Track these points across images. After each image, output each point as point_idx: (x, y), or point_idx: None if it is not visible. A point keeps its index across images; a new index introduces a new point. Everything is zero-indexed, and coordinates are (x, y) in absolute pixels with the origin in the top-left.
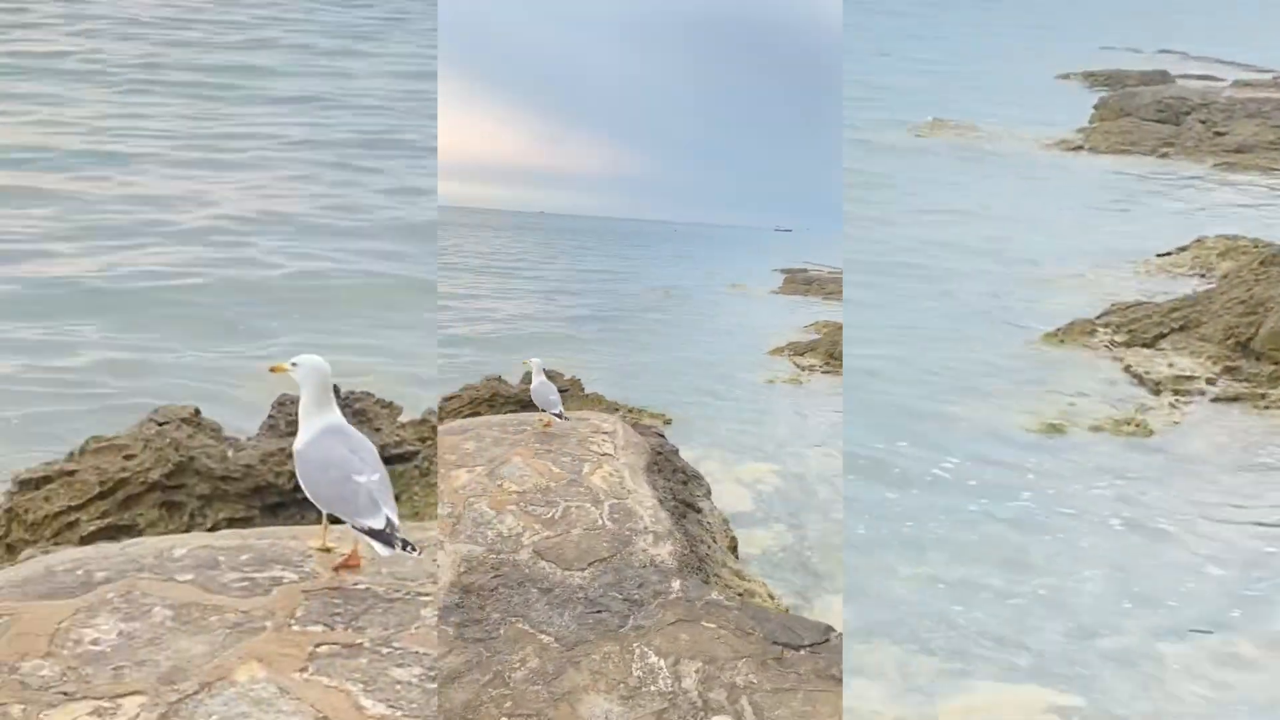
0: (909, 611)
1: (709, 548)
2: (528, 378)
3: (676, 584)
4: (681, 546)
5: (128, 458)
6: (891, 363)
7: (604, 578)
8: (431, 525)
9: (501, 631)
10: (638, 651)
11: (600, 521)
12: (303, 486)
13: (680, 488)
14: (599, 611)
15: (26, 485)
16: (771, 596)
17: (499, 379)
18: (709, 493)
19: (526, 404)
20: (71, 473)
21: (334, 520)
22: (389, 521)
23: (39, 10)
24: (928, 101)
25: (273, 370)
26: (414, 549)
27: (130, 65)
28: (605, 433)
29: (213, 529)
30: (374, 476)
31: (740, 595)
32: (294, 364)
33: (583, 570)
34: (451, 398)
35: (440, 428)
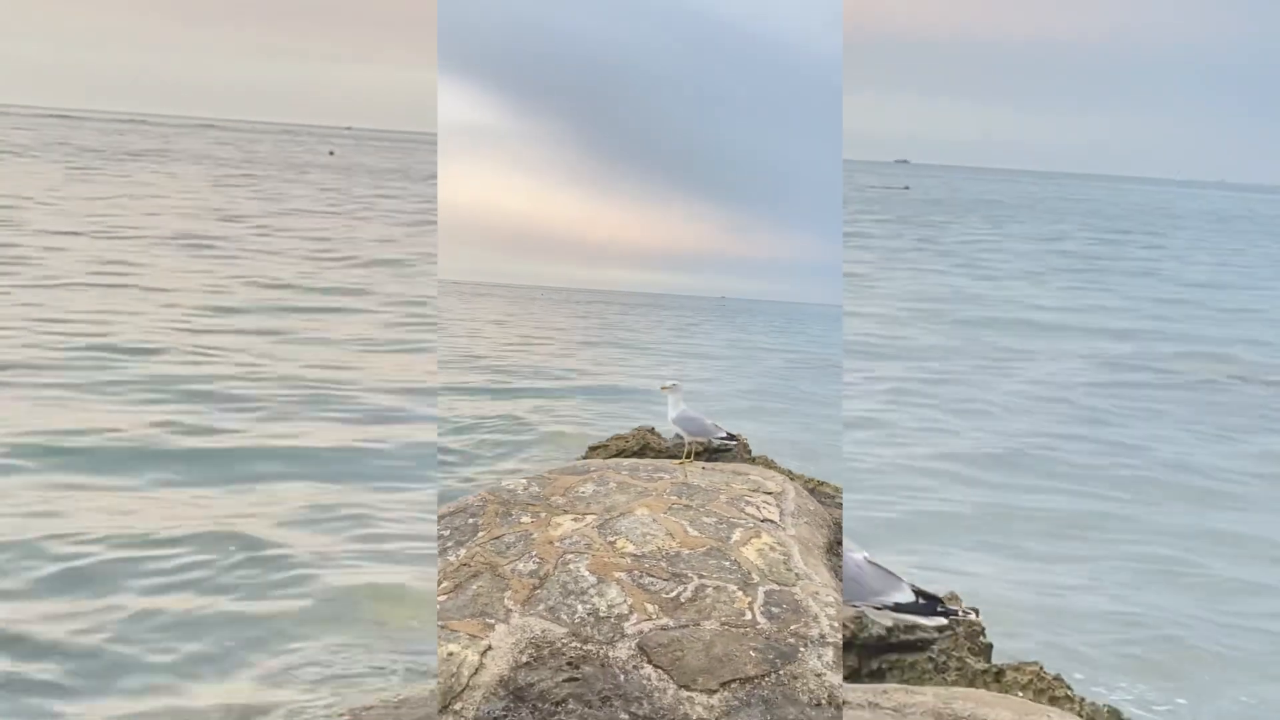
0: None
1: None
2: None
3: None
4: None
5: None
6: None
7: (746, 712)
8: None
9: None
10: None
11: (749, 615)
12: (679, 428)
13: None
14: None
15: None
16: None
17: (651, 430)
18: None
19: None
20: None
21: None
22: (727, 433)
23: None
24: None
25: (663, 389)
26: (735, 438)
27: None
28: (769, 493)
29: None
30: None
31: None
32: (670, 384)
33: (711, 694)
34: (597, 447)
35: (558, 468)
